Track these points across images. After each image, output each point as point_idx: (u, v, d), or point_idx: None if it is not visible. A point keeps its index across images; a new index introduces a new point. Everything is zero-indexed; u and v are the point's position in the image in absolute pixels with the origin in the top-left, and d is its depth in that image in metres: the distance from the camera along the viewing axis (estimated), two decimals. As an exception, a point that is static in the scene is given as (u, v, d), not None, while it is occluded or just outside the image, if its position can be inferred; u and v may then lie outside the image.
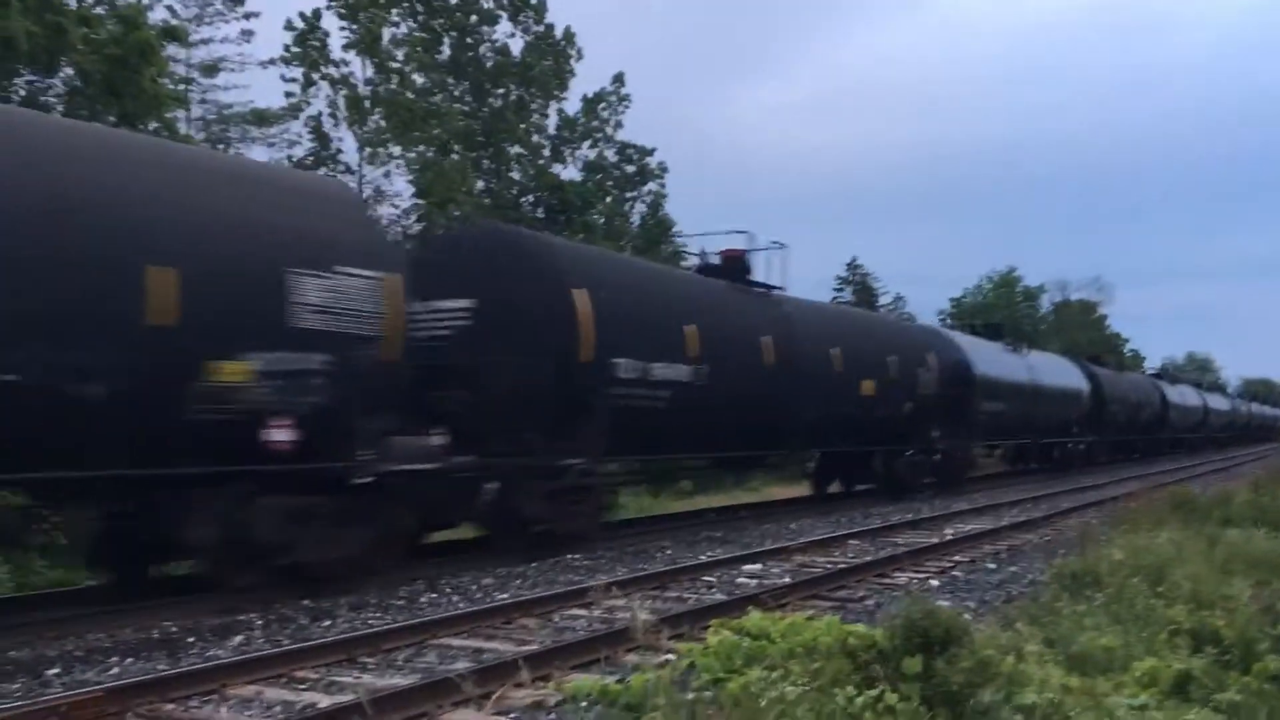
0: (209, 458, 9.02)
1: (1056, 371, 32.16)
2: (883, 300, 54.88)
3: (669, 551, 13.72)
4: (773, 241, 19.19)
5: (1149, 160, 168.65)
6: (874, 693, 4.96)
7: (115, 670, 7.41)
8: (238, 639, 8.46)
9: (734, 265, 18.02)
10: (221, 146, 28.61)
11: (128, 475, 8.65)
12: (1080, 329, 67.79)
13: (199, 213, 9.08)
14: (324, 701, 6.40)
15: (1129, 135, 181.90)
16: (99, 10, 19.69)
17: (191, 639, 8.44)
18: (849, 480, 22.11)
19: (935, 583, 11.37)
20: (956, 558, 13.24)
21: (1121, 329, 79.29)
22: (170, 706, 6.38)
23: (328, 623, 9.14)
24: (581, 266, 13.95)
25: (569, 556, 12.94)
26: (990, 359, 26.26)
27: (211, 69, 29.91)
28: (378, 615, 9.45)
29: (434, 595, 10.52)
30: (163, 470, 8.84)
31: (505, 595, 10.40)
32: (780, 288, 19.04)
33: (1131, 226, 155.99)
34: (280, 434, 9.45)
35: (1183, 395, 50.03)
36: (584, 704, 5.99)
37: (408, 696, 6.24)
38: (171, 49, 23.33)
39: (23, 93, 19.53)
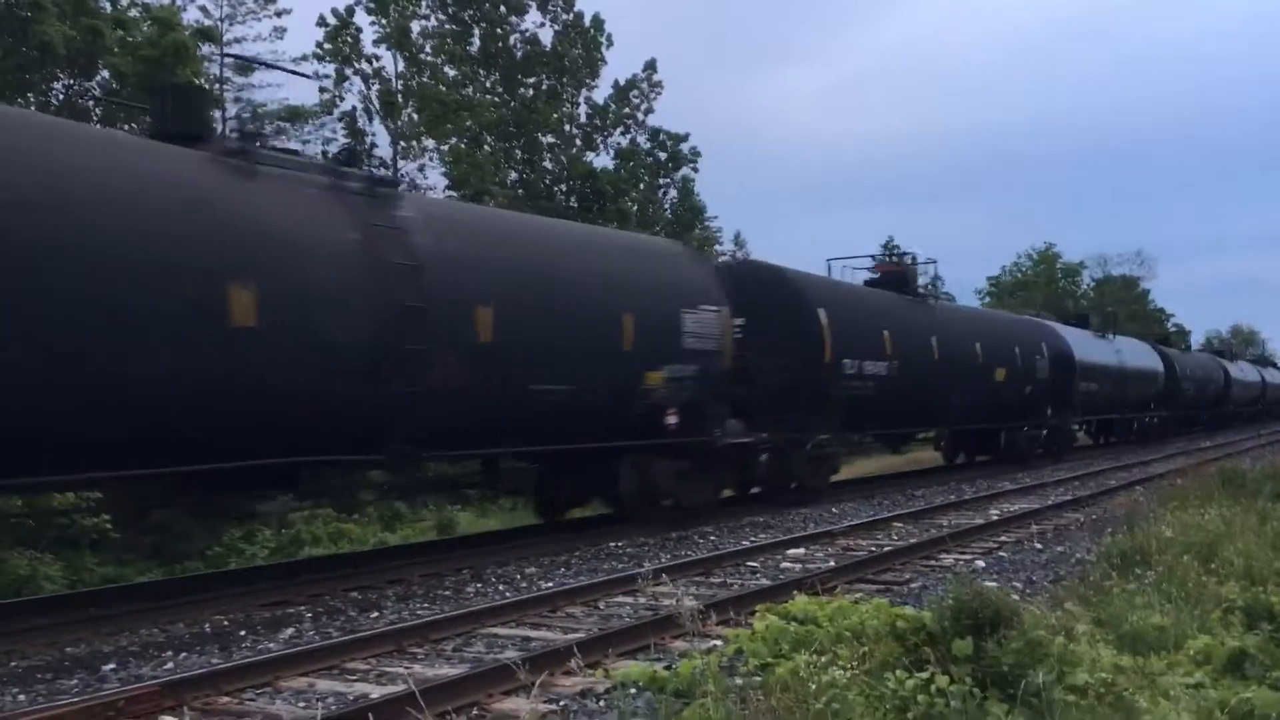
0: (636, 436, 13.49)
1: (1137, 354, 35.30)
2: (921, 281, 54.42)
3: (712, 538, 13.73)
4: (927, 259, 23.94)
5: (1191, 132, 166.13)
6: (924, 675, 4.94)
7: (170, 665, 7.52)
8: (288, 631, 8.56)
9: (902, 278, 22.25)
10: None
11: (603, 448, 13.27)
12: (1121, 304, 67.03)
13: (644, 277, 13.94)
14: (375, 692, 6.47)
15: (1169, 108, 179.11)
16: (134, 13, 19.89)
17: (243, 632, 8.55)
18: (972, 452, 26.34)
19: (981, 564, 11.29)
20: (1002, 538, 13.15)
21: (1165, 303, 78.30)
22: (225, 699, 6.46)
23: (375, 614, 9.23)
24: (821, 292, 18.54)
25: (612, 544, 12.99)
26: (1086, 346, 29.71)
27: (245, 68, 30.15)
28: (425, 605, 9.52)
29: (479, 585, 10.59)
30: (615, 444, 13.32)
31: (550, 584, 10.45)
32: (947, 295, 23.92)
33: (1173, 199, 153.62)
34: (671, 419, 14.01)
35: (1243, 371, 52.91)
36: (633, 691, 6.01)
37: (458, 686, 6.28)
38: (206, 49, 23.55)
39: (61, 96, 19.79)
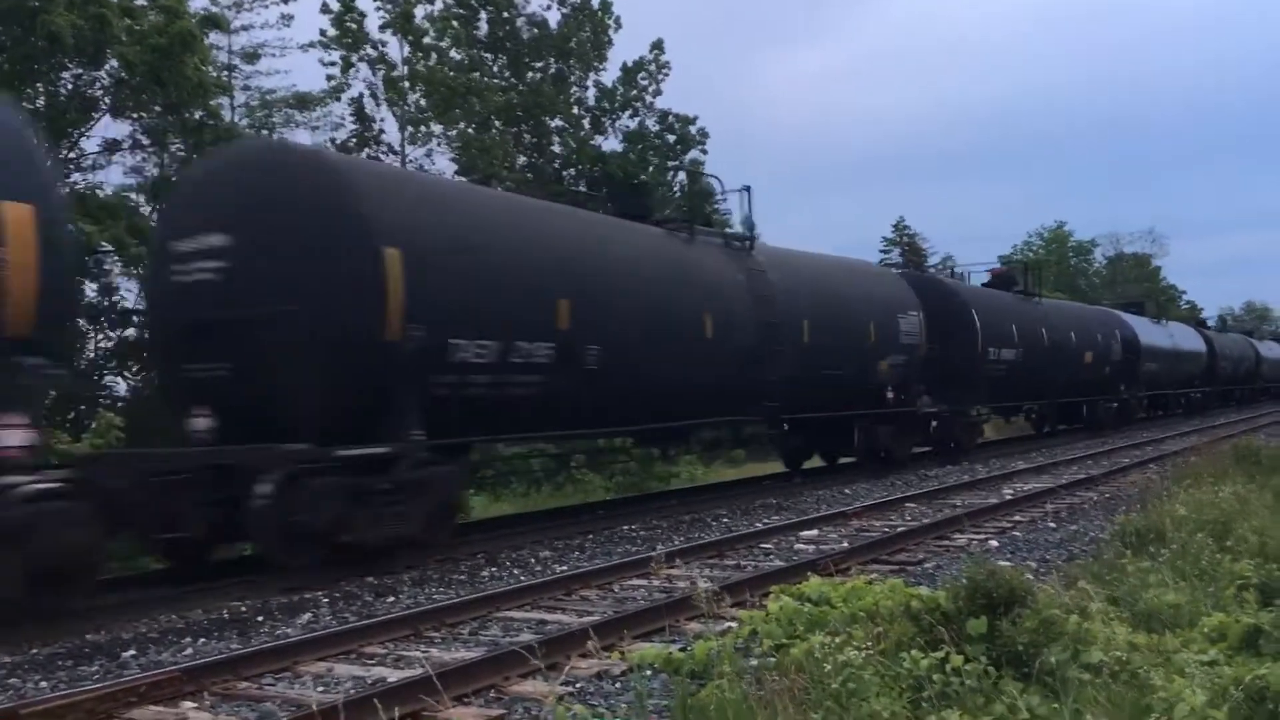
0: (869, 407, 18.92)
1: (1185, 337, 40.68)
2: (932, 260, 54.23)
3: (725, 520, 13.77)
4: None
5: (1200, 105, 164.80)
6: (939, 655, 4.96)
7: (189, 650, 7.58)
8: (306, 617, 8.62)
9: (1011, 279, 27.76)
10: (266, 132, 28.82)
11: (847, 415, 18.66)
12: (1134, 282, 66.72)
13: (877, 294, 19.70)
14: (393, 676, 6.52)
15: (1177, 82, 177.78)
16: (141, 1, 19.88)
17: (261, 618, 8.62)
18: (1058, 422, 30.89)
19: (995, 543, 11.31)
20: (1016, 518, 13.16)
21: (1177, 280, 77.94)
22: (244, 684, 6.52)
23: (391, 599, 9.29)
24: (973, 296, 23.92)
25: (626, 528, 13.03)
26: (1147, 331, 34.88)
27: (253, 55, 30.09)
28: (440, 590, 9.58)
29: (494, 569, 10.64)
30: (857, 412, 18.70)
31: (564, 567, 10.50)
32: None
33: (1184, 175, 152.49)
34: (890, 394, 19.36)
35: (1271, 350, 58.79)
36: (648, 673, 6.05)
37: (475, 669, 6.33)
38: (213, 36, 23.53)
39: (70, 86, 19.81)
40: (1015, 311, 25.26)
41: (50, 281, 7.90)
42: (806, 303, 16.91)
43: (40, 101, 19.08)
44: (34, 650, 7.64)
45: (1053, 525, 12.53)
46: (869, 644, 5.26)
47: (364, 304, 10.04)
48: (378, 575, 10.16)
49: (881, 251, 53.40)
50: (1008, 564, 7.74)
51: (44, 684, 6.80)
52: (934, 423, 21.13)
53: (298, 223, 10.05)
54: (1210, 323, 57.42)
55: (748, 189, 17.50)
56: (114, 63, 19.50)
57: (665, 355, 13.80)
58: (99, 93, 20.00)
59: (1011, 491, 15.79)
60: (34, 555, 7.87)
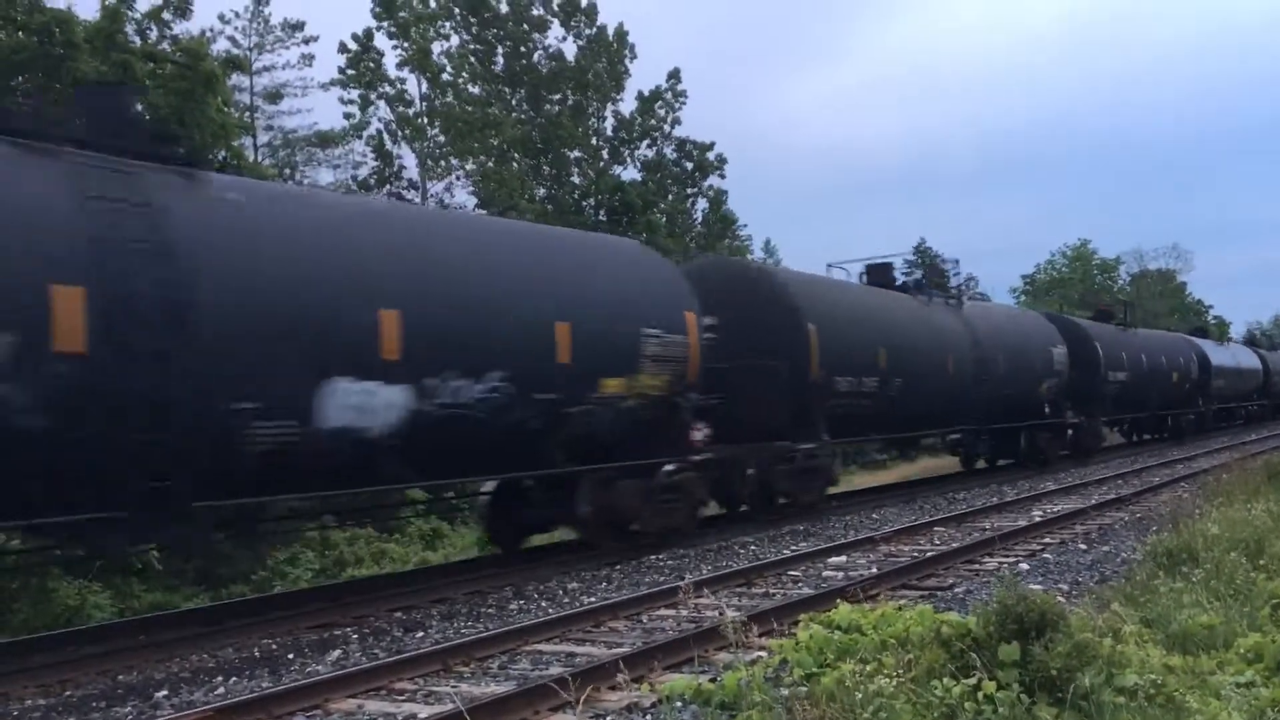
0: (1031, 418, 24.33)
1: (1244, 356, 46.11)
2: (955, 281, 53.96)
3: (752, 548, 13.71)
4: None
5: (1221, 120, 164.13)
6: (971, 682, 4.92)
7: (221, 690, 7.61)
8: (335, 653, 8.64)
9: (1111, 314, 33.23)
10: (288, 171, 29.12)
11: (1016, 426, 24.16)
12: (1158, 298, 66.28)
13: (1038, 333, 25.14)
14: (424, 712, 6.52)
15: (1198, 99, 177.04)
16: (164, 46, 20.17)
17: (291, 655, 8.63)
18: (1144, 432, 36.27)
19: (1025, 566, 11.21)
20: (1046, 540, 13.05)
21: (1202, 295, 77.36)
22: (276, 723, 6.54)
23: (420, 634, 9.29)
24: (1098, 331, 28.76)
25: (653, 557, 13.01)
26: (1215, 352, 40.05)
27: (275, 95, 30.46)
28: (469, 624, 9.58)
29: (522, 601, 10.63)
30: (1023, 424, 24.41)
31: (592, 599, 10.48)
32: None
33: (1208, 189, 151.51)
34: (1047, 409, 24.84)
35: None
36: (679, 704, 6.02)
37: (505, 703, 6.33)
38: (235, 78, 23.85)
39: (96, 131, 20.09)
40: (1122, 341, 30.81)
41: (700, 356, 14.04)
42: (998, 342, 22.69)
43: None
44: (66, 692, 7.69)
45: (1084, 547, 12.42)
46: (900, 672, 5.23)
47: (801, 357, 16.20)
48: (405, 610, 10.18)
49: (903, 273, 53.23)
50: (1039, 587, 7.68)
51: (78, 726, 6.84)
52: (1070, 431, 26.28)
53: (766, 310, 16.32)
54: (1236, 337, 57.28)
55: (956, 261, 24.90)
56: (139, 106, 19.75)
57: (929, 386, 19.84)
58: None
59: (1041, 513, 15.66)
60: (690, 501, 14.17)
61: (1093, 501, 16.68)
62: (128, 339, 8.05)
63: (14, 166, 8.19)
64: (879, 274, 21.56)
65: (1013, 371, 22.86)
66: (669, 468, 13.41)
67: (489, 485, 13.38)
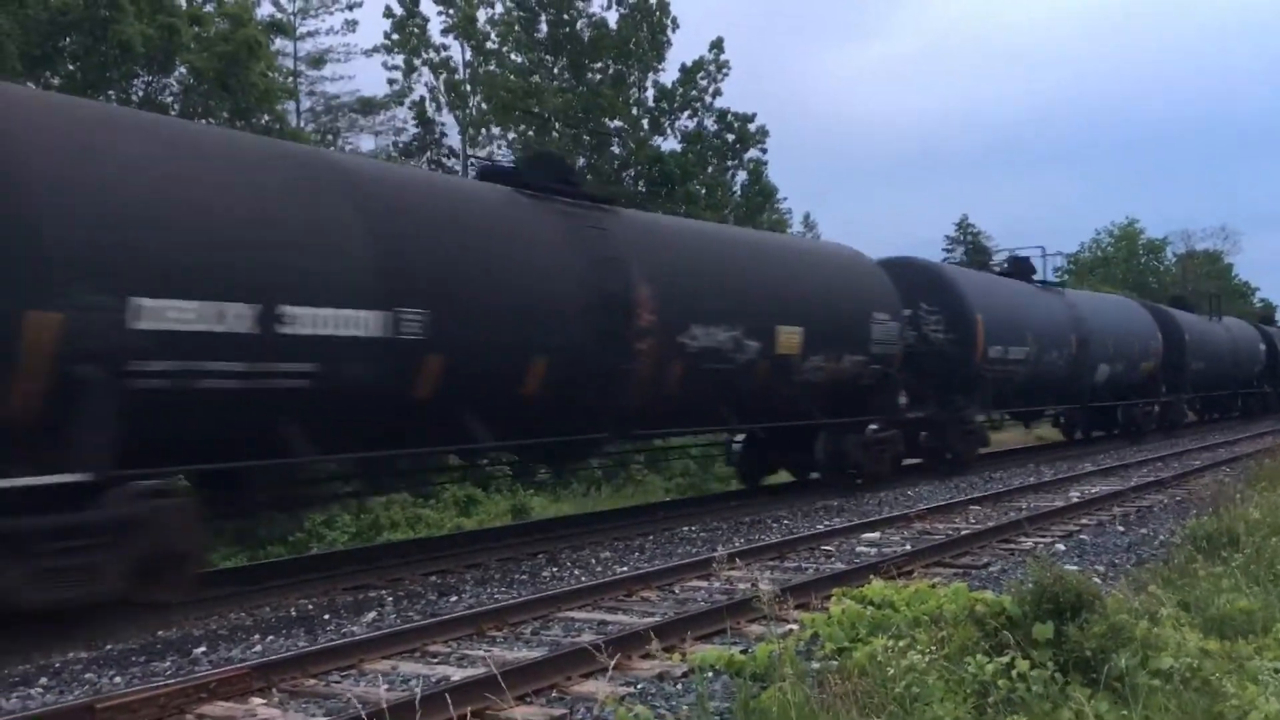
0: (1133, 396, 28.35)
1: None
2: (997, 258, 53.49)
3: (786, 522, 13.71)
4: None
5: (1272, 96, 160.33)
6: (1004, 660, 4.90)
7: (258, 647, 7.73)
8: (370, 615, 8.74)
9: (1186, 304, 36.01)
10: (330, 136, 29.22)
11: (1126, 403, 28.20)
12: (1206, 279, 65.28)
13: (1140, 320, 28.81)
14: (456, 674, 6.58)
15: (1246, 78, 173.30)
16: (208, 9, 20.25)
17: (327, 616, 8.75)
18: (1212, 411, 38.04)
19: (1061, 547, 11.13)
20: (1083, 520, 12.94)
21: (1250, 277, 76.15)
22: (312, 681, 6.63)
23: (454, 598, 9.38)
24: (1188, 323, 31.51)
25: (685, 529, 13.04)
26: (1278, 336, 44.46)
27: (318, 61, 30.55)
28: (503, 590, 9.66)
29: (555, 569, 10.70)
30: (1125, 402, 28.14)
31: (624, 568, 10.53)
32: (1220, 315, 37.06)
33: (1258, 166, 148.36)
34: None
35: None
36: (710, 674, 6.04)
37: (537, 668, 6.37)
38: (279, 43, 23.93)
39: (140, 93, 20.25)
40: (1204, 329, 34.20)
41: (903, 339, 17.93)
42: (1104, 327, 25.72)
43: (113, 109, 19.49)
44: (108, 647, 7.83)
45: (1121, 529, 12.31)
46: (933, 648, 5.21)
47: (970, 341, 19.64)
48: (440, 575, 10.28)
49: (945, 250, 52.81)
50: (1075, 568, 7.62)
51: (118, 679, 6.97)
52: (1157, 407, 29.20)
53: (944, 302, 19.75)
54: None
55: (1042, 248, 28.37)
56: (183, 70, 19.88)
57: (1056, 368, 23.36)
58: (169, 99, 20.40)
59: (1079, 494, 15.53)
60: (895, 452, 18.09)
61: (1132, 484, 16.53)
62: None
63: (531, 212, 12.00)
64: (1018, 266, 24.63)
65: (1118, 355, 26.35)
66: (874, 426, 17.11)
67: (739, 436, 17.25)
